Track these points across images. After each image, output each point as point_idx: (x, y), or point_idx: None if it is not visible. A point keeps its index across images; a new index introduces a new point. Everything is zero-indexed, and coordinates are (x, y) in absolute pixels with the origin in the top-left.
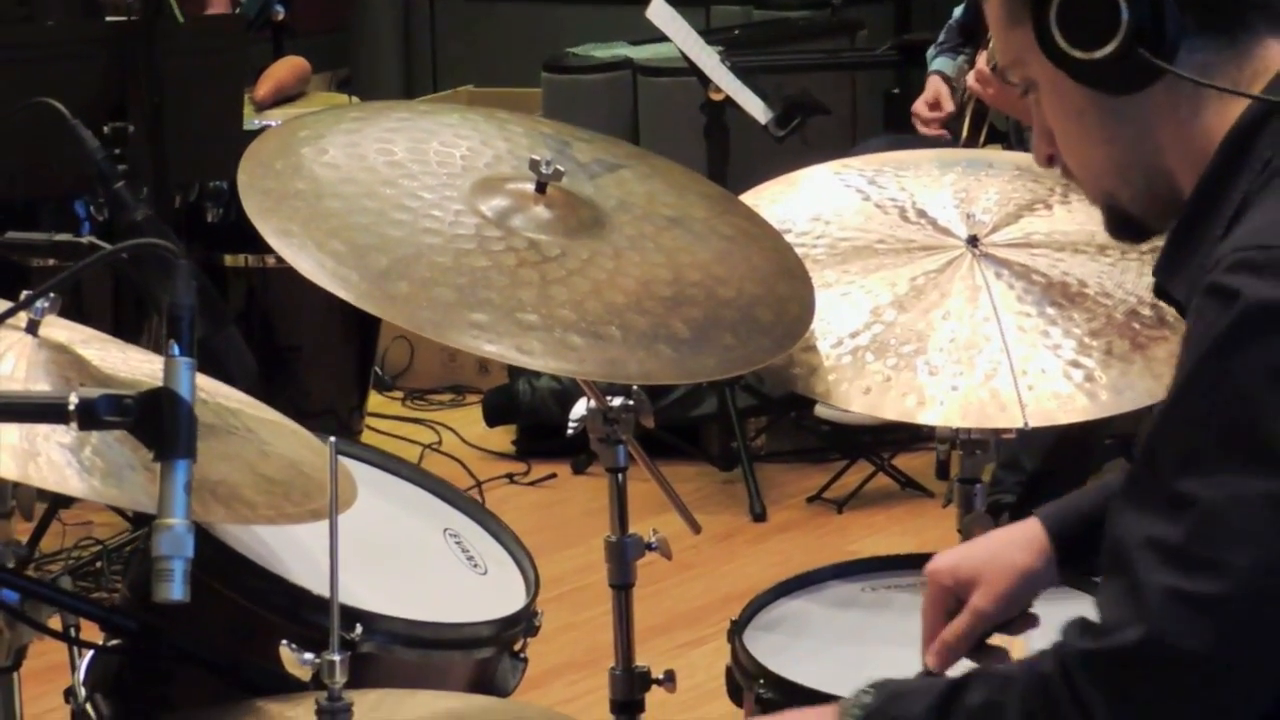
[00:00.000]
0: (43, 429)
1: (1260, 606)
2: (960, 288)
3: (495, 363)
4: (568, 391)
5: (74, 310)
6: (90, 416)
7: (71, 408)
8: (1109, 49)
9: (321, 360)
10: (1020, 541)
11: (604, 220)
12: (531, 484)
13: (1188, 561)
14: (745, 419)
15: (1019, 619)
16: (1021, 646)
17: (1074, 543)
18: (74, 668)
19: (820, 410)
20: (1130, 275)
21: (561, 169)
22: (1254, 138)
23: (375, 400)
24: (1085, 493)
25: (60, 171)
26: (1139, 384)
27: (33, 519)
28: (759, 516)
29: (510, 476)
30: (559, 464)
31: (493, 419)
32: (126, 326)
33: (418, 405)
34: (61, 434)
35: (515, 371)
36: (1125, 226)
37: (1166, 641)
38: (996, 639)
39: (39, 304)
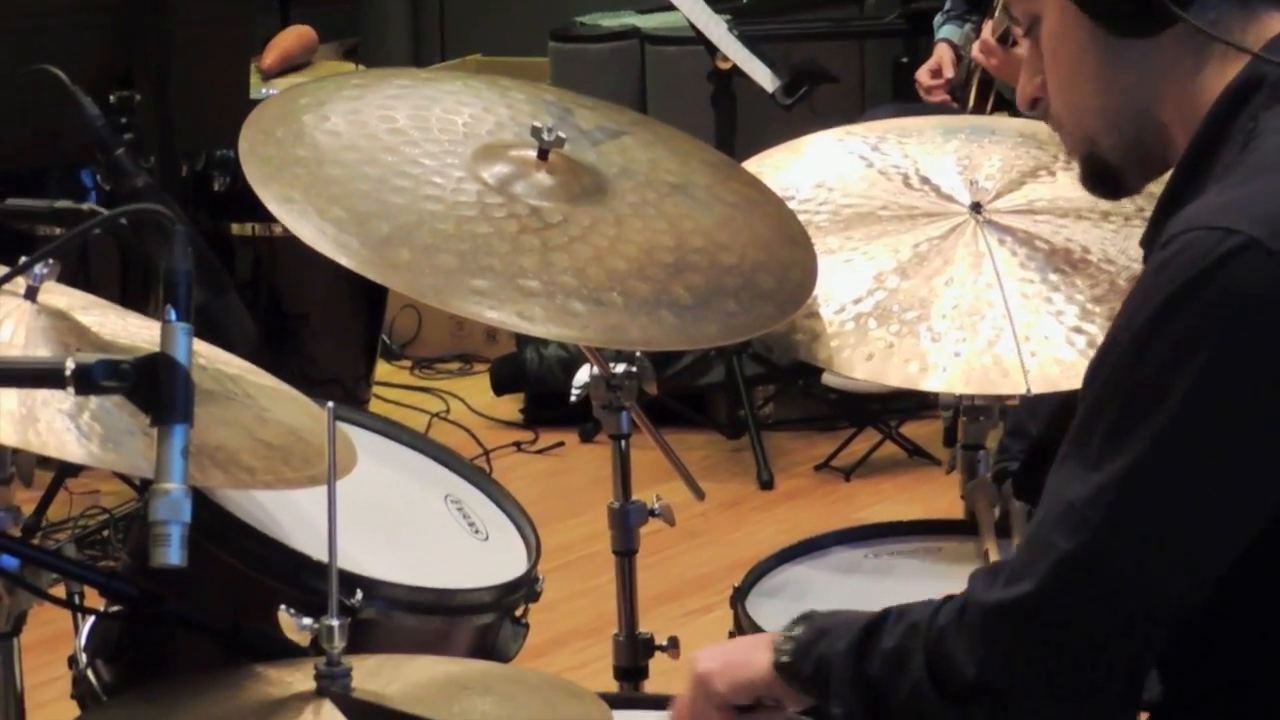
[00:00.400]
0: (42, 395)
1: (1118, 574)
2: (963, 254)
3: (503, 331)
4: (575, 360)
5: (81, 280)
6: (87, 381)
7: (68, 373)
8: None
9: (329, 329)
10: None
11: (606, 187)
12: (539, 452)
13: (1080, 526)
14: (753, 387)
15: None
16: None
17: None
18: (78, 634)
19: (828, 378)
20: (1133, 241)
21: (563, 136)
22: (1241, 105)
23: (383, 369)
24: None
25: (66, 140)
26: None
27: (32, 485)
28: (766, 484)
29: (518, 445)
30: (567, 432)
31: (500, 388)
32: (133, 296)
33: (425, 374)
34: (60, 400)
35: (523, 340)
36: (1102, 178)
37: (1045, 603)
38: None
39: (37, 270)
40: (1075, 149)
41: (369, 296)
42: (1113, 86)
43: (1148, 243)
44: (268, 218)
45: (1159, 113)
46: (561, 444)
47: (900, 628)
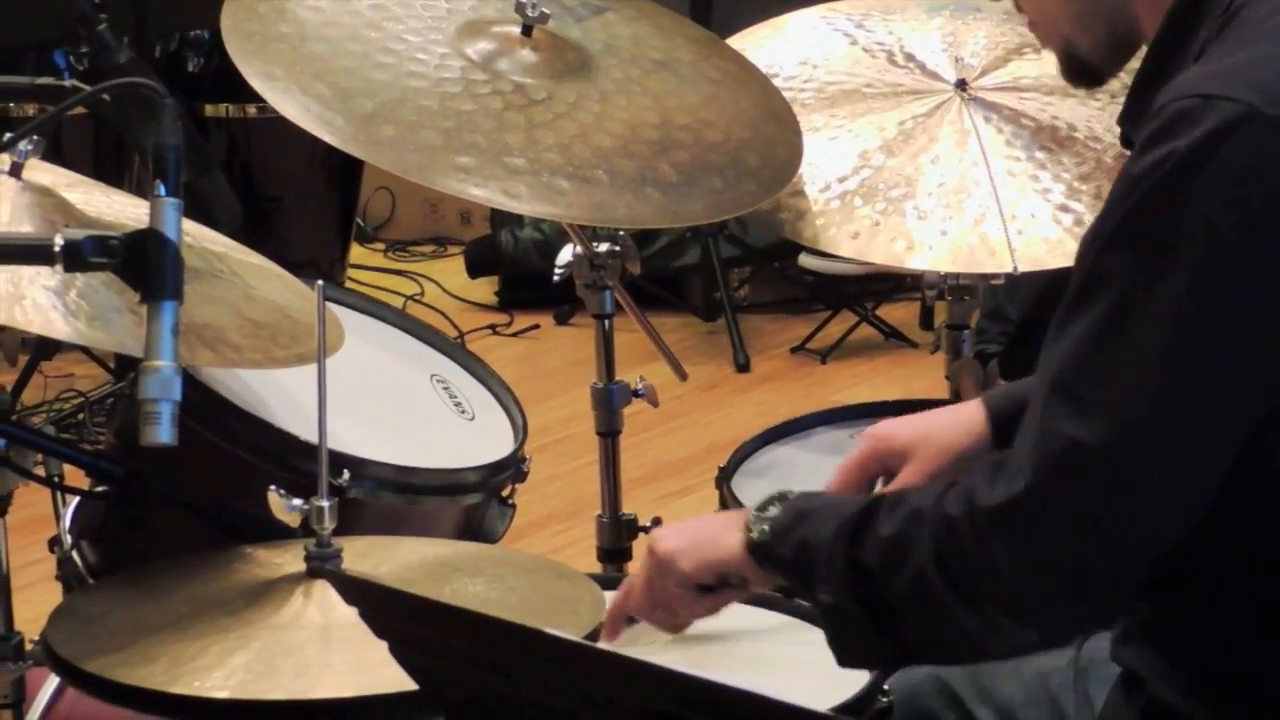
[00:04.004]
0: (28, 272)
1: (1136, 459)
2: (949, 132)
3: (477, 213)
4: (550, 242)
5: (54, 157)
6: (75, 258)
7: (57, 249)
8: None
9: (303, 211)
10: (959, 422)
11: (590, 63)
12: (514, 335)
13: (1078, 405)
14: (729, 269)
15: None
16: None
17: (1007, 421)
18: (58, 517)
19: (804, 260)
20: None
21: (547, 11)
22: None
23: (357, 252)
24: (1026, 380)
25: (39, 20)
26: None
27: (16, 365)
28: (742, 367)
29: (493, 328)
30: (542, 315)
31: (475, 270)
32: (107, 173)
33: (399, 256)
34: (47, 277)
35: (497, 222)
36: (1082, 73)
37: (1048, 488)
38: None
39: (22, 147)
40: (1052, 47)
41: (343, 178)
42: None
43: (1127, 118)
44: (242, 99)
45: (1130, 7)
46: (537, 326)
47: (900, 514)
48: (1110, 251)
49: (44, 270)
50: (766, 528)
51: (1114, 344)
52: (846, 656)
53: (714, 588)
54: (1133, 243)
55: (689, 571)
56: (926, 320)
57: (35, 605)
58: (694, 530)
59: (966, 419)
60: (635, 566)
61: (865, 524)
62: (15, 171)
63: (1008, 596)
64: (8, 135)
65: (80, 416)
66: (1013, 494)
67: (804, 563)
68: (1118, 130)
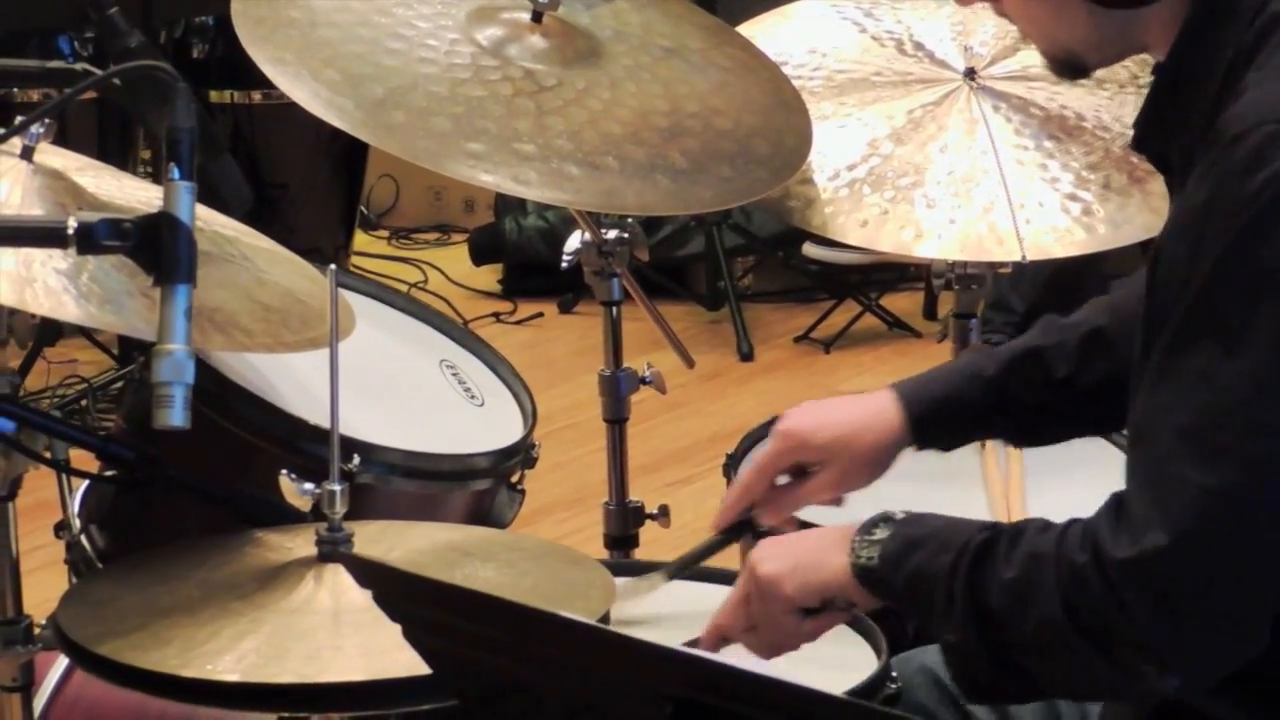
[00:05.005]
0: (39, 255)
1: (1272, 495)
2: (958, 121)
3: (481, 201)
4: (555, 230)
5: (60, 142)
6: (89, 241)
7: (70, 231)
8: None
9: (307, 198)
10: (874, 426)
11: (600, 50)
12: (518, 323)
13: (1212, 454)
14: (733, 258)
15: None
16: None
17: (926, 424)
18: (64, 502)
19: (808, 250)
20: (1128, 109)
21: None
22: None
23: (360, 239)
24: (941, 375)
25: (44, 4)
26: (1137, 218)
27: (25, 348)
28: (746, 356)
29: (497, 315)
30: (546, 303)
31: (479, 258)
32: (111, 157)
33: (403, 244)
34: (58, 260)
35: (502, 210)
36: (1074, 73)
37: (1192, 542)
38: None
39: (33, 130)
40: (1047, 54)
41: (348, 166)
42: (1102, 27)
43: (1149, 130)
44: (247, 85)
45: (1142, 28)
46: (540, 315)
47: (1020, 557)
48: (1215, 286)
49: (55, 253)
50: (875, 554)
51: (1230, 381)
52: (973, 694)
53: (817, 610)
54: (1241, 275)
55: (793, 595)
56: (930, 310)
57: (41, 590)
58: (796, 551)
59: (883, 422)
60: (642, 554)
61: (983, 563)
62: (26, 155)
63: (1152, 647)
64: (19, 119)
65: (84, 403)
66: (1150, 548)
67: (920, 595)
68: (1126, 120)
